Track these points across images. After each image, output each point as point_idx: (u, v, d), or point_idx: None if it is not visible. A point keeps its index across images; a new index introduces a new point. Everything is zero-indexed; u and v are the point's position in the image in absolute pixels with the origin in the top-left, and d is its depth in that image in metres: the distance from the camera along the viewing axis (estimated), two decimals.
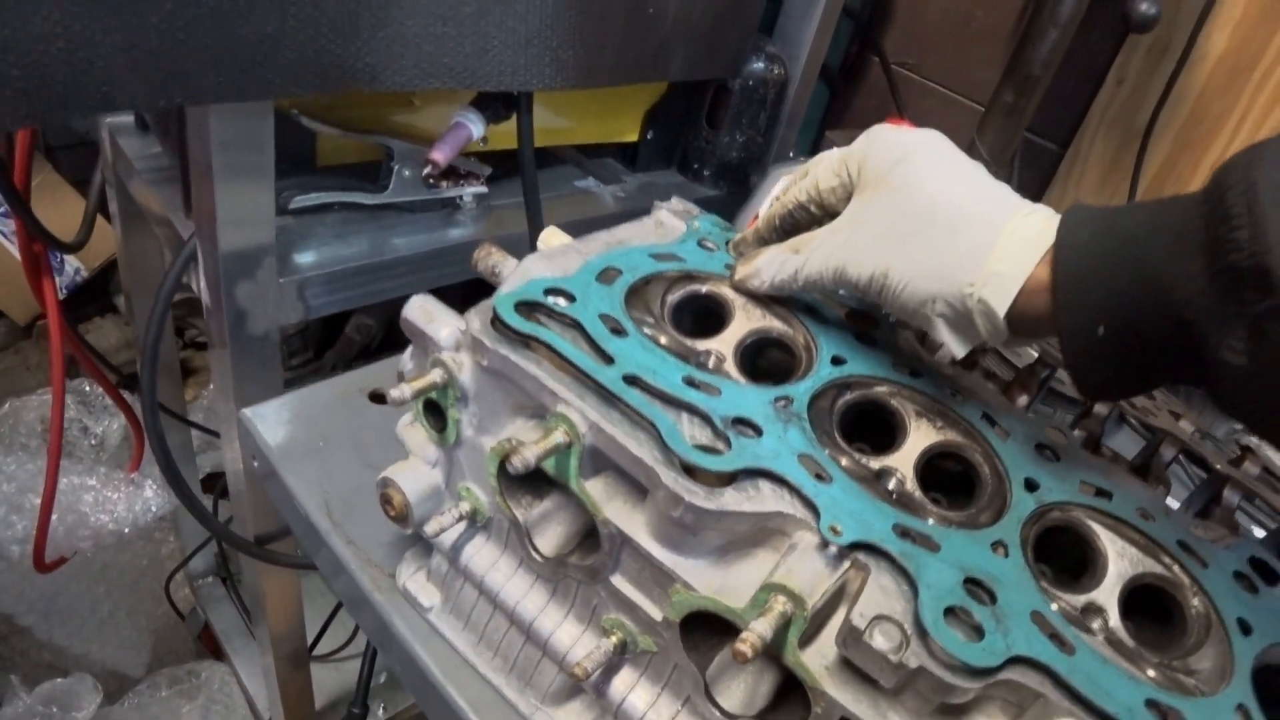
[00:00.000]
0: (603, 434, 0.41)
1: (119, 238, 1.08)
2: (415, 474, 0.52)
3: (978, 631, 0.37)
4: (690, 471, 0.40)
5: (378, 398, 0.70)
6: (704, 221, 0.60)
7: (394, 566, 0.57)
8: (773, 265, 0.52)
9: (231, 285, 0.73)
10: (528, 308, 0.46)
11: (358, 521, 0.59)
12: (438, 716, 0.52)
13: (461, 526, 0.51)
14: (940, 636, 0.36)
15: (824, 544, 0.39)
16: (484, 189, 0.90)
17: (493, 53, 0.71)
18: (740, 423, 0.43)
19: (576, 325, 0.46)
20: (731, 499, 0.39)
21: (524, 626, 0.49)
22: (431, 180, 0.87)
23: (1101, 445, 0.62)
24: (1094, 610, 0.44)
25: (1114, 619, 0.43)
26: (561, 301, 0.48)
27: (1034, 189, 1.23)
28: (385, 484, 0.52)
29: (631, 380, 0.43)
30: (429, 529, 0.49)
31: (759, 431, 0.43)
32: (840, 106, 1.37)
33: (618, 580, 0.44)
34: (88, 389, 1.29)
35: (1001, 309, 0.44)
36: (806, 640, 0.39)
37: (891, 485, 0.47)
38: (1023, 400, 0.62)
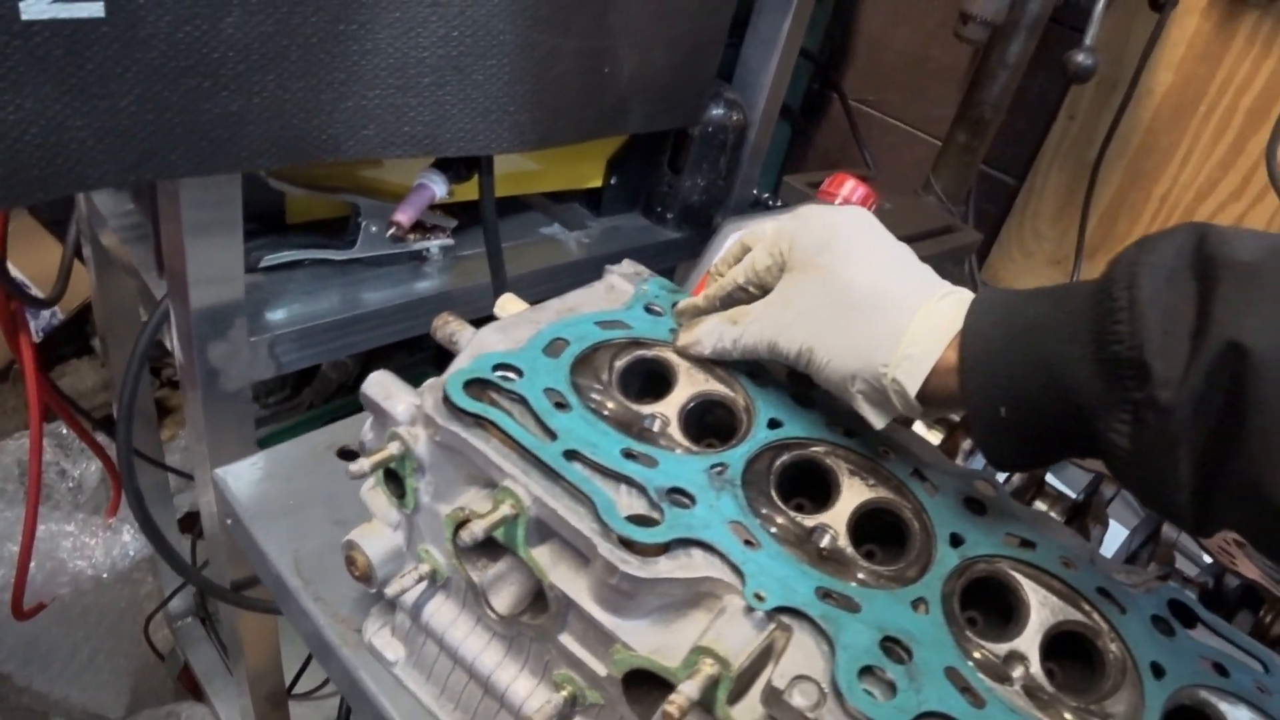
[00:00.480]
0: (545, 507, 0.45)
1: (94, 286, 1.11)
2: (378, 537, 0.56)
3: (892, 689, 0.41)
4: (627, 542, 0.43)
5: (347, 454, 0.74)
6: (651, 285, 0.64)
7: (361, 622, 0.60)
8: (712, 335, 0.56)
9: (203, 344, 0.76)
10: (479, 385, 0.50)
11: (327, 578, 0.63)
12: None
13: (422, 586, 0.55)
14: (852, 696, 0.39)
15: (750, 608, 0.43)
16: (450, 241, 0.94)
17: (452, 120, 0.75)
18: (675, 492, 0.47)
19: (523, 400, 0.50)
20: (664, 567, 0.43)
21: (482, 680, 0.53)
22: (400, 236, 0.91)
23: (1045, 485, 0.66)
24: (1016, 658, 0.48)
25: (1035, 666, 0.47)
26: (512, 376, 0.52)
27: (992, 221, 1.28)
28: (350, 546, 0.56)
29: (572, 455, 0.47)
30: (390, 590, 0.52)
31: (693, 500, 0.47)
32: (802, 144, 1.42)
33: (566, 639, 0.47)
34: (64, 431, 1.32)
35: (913, 390, 0.48)
36: (736, 697, 0.42)
37: (825, 542, 0.51)
38: (967, 444, 0.66)
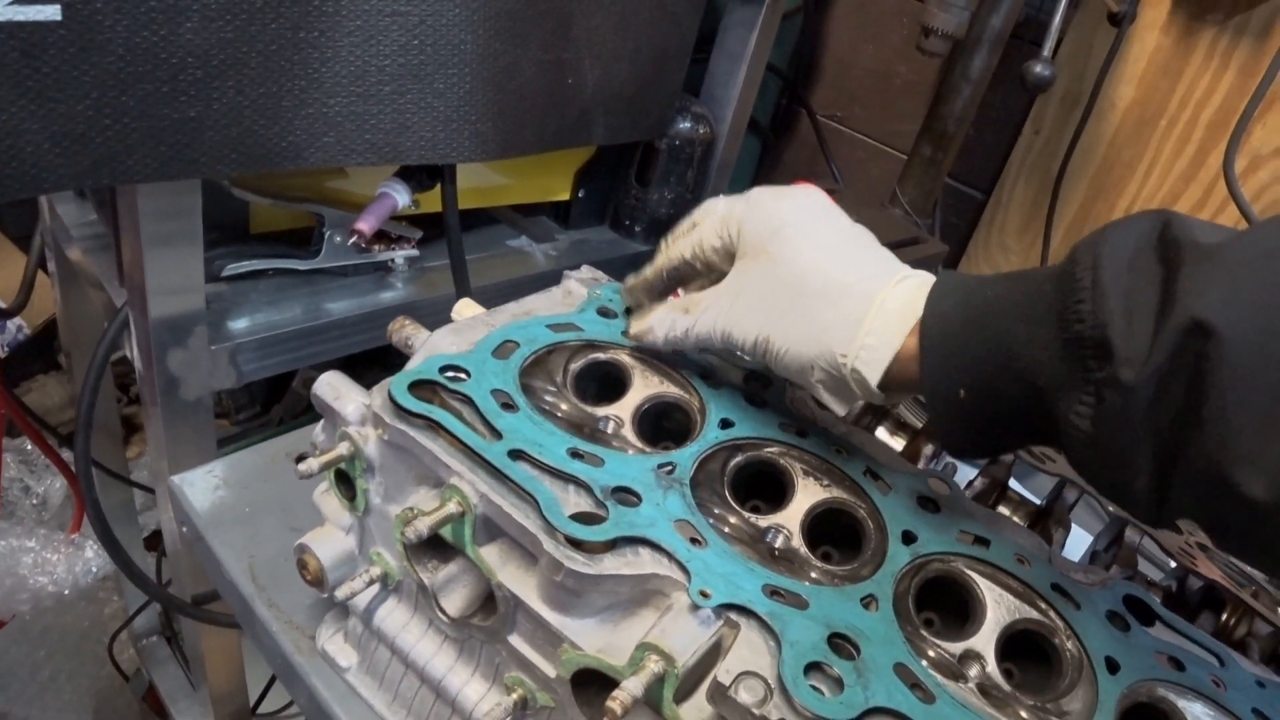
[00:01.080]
0: (491, 504, 0.44)
1: (58, 298, 1.10)
2: (330, 540, 0.55)
3: (839, 685, 0.41)
4: (574, 541, 0.43)
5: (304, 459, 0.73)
6: (605, 289, 0.64)
7: (315, 629, 0.59)
8: (664, 323, 0.55)
9: (162, 352, 0.76)
10: (427, 386, 0.50)
11: (282, 585, 0.62)
12: None
13: (374, 590, 0.54)
14: (798, 693, 0.39)
15: (697, 606, 0.43)
16: (415, 252, 0.94)
17: (413, 129, 0.75)
18: (621, 491, 0.47)
19: (470, 401, 0.49)
20: (610, 564, 0.43)
21: (434, 684, 0.52)
22: (363, 245, 0.91)
23: (1009, 490, 0.66)
24: (971, 657, 0.48)
25: (991, 665, 0.47)
26: (461, 376, 0.52)
27: (960, 234, 1.29)
28: (302, 550, 0.55)
29: (518, 455, 0.46)
30: (340, 593, 0.51)
31: (639, 499, 0.46)
32: (772, 160, 1.43)
33: (515, 640, 0.47)
34: (29, 448, 1.30)
35: (874, 379, 0.48)
36: (684, 696, 0.42)
37: (779, 543, 0.51)
38: (929, 450, 0.66)
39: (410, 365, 0.52)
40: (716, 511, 0.50)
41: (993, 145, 1.24)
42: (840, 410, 0.52)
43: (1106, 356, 0.39)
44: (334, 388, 0.52)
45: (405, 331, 0.58)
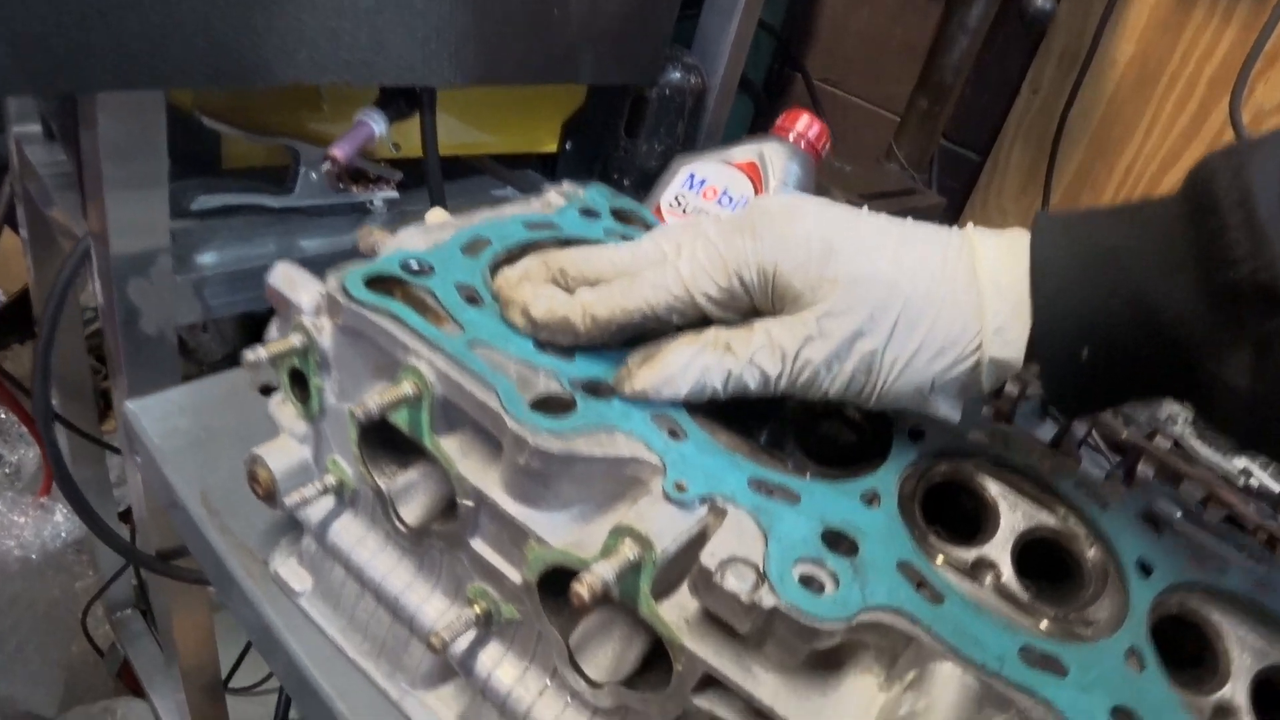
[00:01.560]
0: (450, 382, 0.39)
1: (28, 255, 1.05)
2: (283, 450, 0.50)
3: (833, 581, 0.35)
4: None
5: (269, 391, 0.68)
6: (590, 192, 0.59)
7: (270, 554, 0.54)
8: (695, 371, 0.42)
9: (123, 282, 0.71)
10: (386, 282, 0.45)
11: (236, 510, 0.57)
12: (308, 705, 0.49)
13: (330, 504, 0.49)
14: (784, 590, 0.34)
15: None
16: (395, 194, 0.88)
17: (390, 48, 0.70)
18: (593, 384, 0.41)
19: (431, 295, 0.44)
20: (582, 444, 0.37)
21: (390, 602, 0.46)
22: (341, 185, 0.86)
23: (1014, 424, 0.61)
24: (985, 565, 0.43)
25: (1006, 573, 0.42)
26: (426, 271, 0.47)
27: (957, 197, 1.24)
28: (253, 461, 0.50)
29: (480, 346, 0.41)
30: (289, 500, 0.46)
31: (611, 392, 0.41)
32: (765, 121, 1.38)
33: (478, 544, 0.42)
34: (3, 416, 1.25)
35: (1018, 358, 0.41)
36: (663, 592, 0.37)
37: (762, 440, 0.45)
38: None
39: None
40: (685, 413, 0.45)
41: (989, 106, 1.19)
42: (957, 415, 0.44)
43: (1273, 306, 0.33)
44: (288, 277, 0.47)
45: (373, 238, 0.53)
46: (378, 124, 0.77)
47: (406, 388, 0.40)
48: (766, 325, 0.42)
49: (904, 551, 0.38)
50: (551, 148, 1.04)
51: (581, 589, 0.33)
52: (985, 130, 1.21)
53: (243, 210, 0.82)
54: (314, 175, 0.84)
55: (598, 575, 0.33)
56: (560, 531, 0.39)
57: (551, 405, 0.39)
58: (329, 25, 0.68)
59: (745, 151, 0.77)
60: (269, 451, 0.49)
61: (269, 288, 0.48)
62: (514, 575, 0.41)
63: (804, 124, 0.78)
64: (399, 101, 0.78)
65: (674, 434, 0.40)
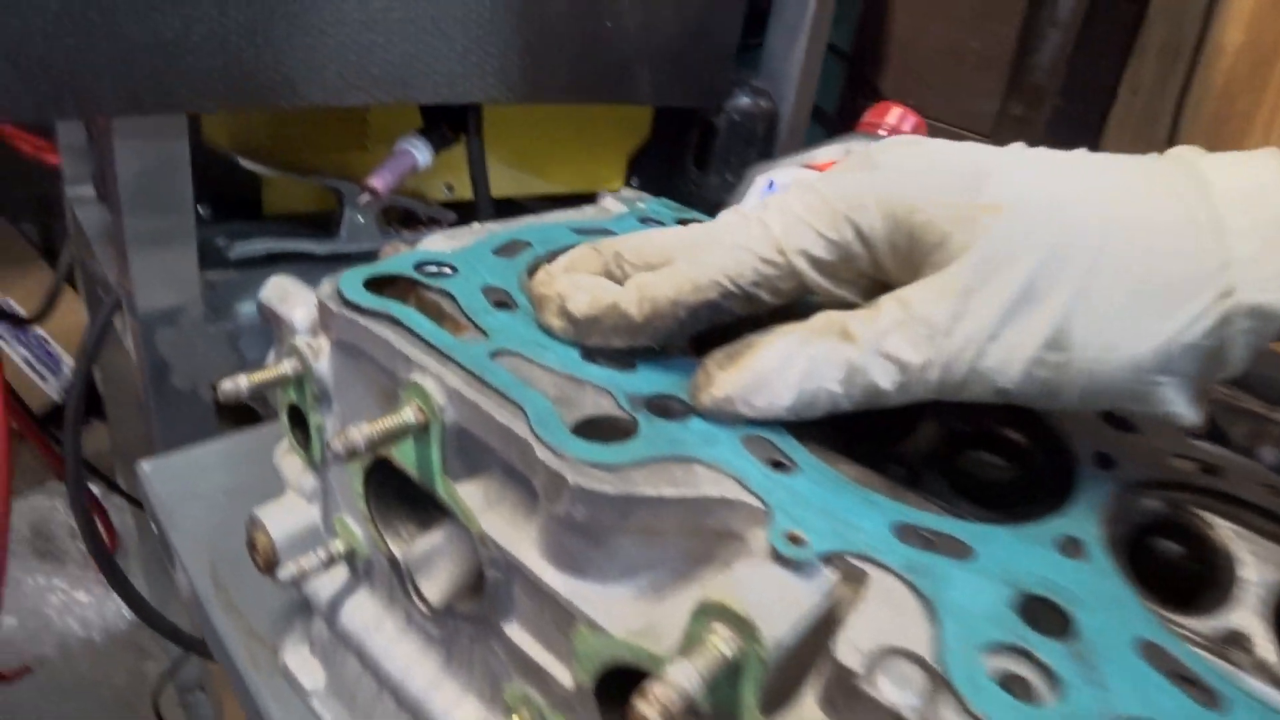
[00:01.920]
0: (465, 402, 0.27)
1: (89, 319, 0.98)
2: (286, 510, 0.38)
3: (1049, 679, 0.21)
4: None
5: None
6: (652, 203, 0.48)
7: (281, 640, 0.42)
8: (796, 366, 0.28)
9: (150, 335, 0.62)
10: (396, 285, 0.34)
11: (248, 588, 0.45)
12: None
13: (342, 577, 0.37)
14: (978, 698, 0.20)
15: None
16: None
17: (425, 61, 0.61)
18: (660, 403, 0.28)
19: (450, 298, 0.33)
20: (645, 481, 0.24)
21: (412, 705, 0.34)
22: (390, 228, 0.76)
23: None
24: (1235, 640, 0.28)
25: (1262, 646, 0.27)
26: (447, 272, 0.35)
27: None
28: (251, 524, 0.38)
29: (505, 355, 0.29)
30: (283, 574, 0.34)
31: (688, 411, 0.28)
32: None
33: (513, 630, 0.29)
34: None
35: None
36: (776, 703, 0.23)
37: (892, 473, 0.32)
38: None
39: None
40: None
41: (1085, 115, 1.05)
42: (1195, 414, 0.28)
43: None
44: (282, 290, 0.37)
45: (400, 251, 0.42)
46: (420, 152, 0.67)
47: (408, 413, 0.28)
48: (899, 294, 0.28)
49: (1139, 625, 0.24)
50: (617, 186, 0.94)
51: (649, 709, 0.20)
52: (1084, 141, 1.05)
53: (286, 258, 0.73)
54: (360, 219, 0.74)
55: (674, 685, 0.20)
56: (621, 611, 0.26)
57: (602, 429, 0.26)
58: (357, 39, 0.59)
59: (830, 151, 0.65)
60: (269, 513, 0.38)
61: (260, 304, 0.37)
62: (561, 675, 0.28)
63: (896, 117, 0.65)
64: (442, 127, 0.68)
65: (778, 465, 0.27)
